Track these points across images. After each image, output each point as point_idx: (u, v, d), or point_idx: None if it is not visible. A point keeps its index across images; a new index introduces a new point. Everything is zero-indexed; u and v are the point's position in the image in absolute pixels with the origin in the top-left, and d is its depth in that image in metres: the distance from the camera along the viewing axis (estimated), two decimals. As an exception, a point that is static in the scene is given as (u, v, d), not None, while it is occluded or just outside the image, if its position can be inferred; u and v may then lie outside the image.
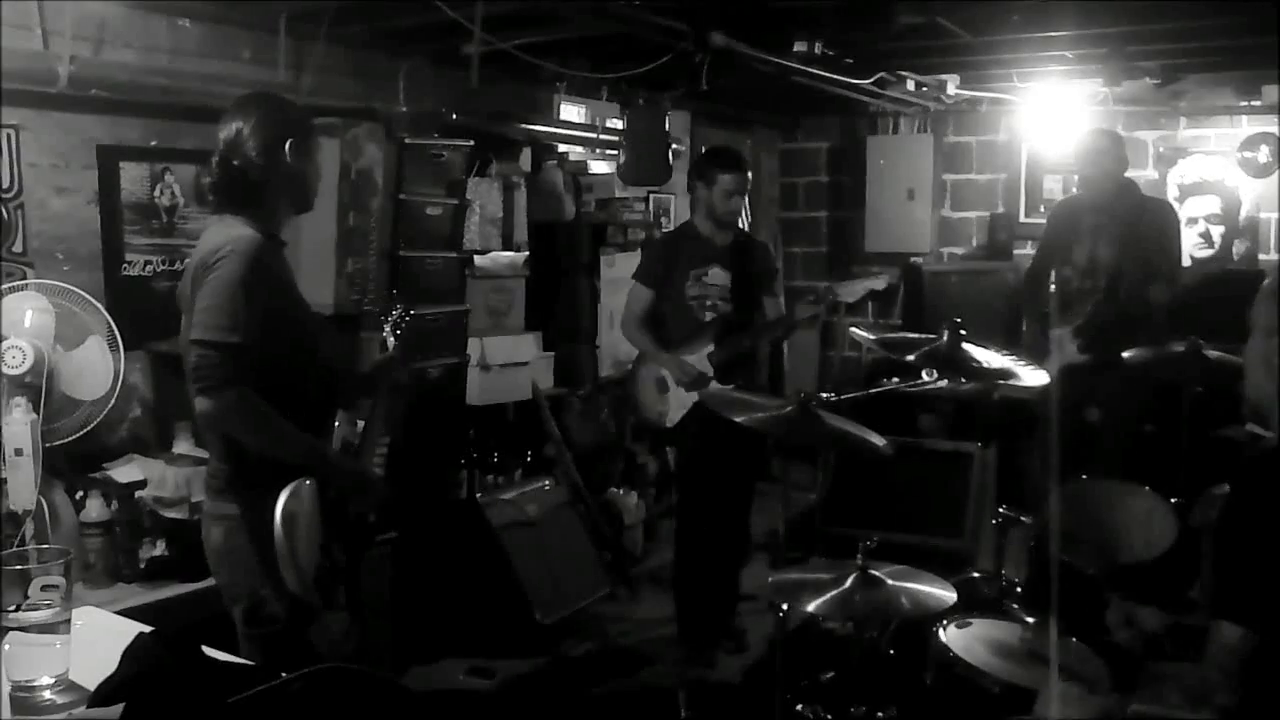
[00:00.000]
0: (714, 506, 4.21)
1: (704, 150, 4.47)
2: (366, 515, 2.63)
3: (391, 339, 2.75)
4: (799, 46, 4.40)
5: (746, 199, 4.22)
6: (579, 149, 5.35)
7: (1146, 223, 4.39)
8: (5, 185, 3.25)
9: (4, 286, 2.97)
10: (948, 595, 2.46)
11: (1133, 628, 2.28)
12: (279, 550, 2.30)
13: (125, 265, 3.58)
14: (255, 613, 2.38)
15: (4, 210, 3.24)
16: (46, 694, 1.56)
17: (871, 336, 3.97)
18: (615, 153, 5.21)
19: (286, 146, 2.44)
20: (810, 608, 2.45)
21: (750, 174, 4.19)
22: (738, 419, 2.81)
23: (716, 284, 4.13)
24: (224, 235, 2.34)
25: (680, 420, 4.11)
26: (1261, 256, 5.81)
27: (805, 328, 6.14)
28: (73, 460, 3.13)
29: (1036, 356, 4.29)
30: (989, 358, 3.05)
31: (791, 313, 4.39)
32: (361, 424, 2.70)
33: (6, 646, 1.54)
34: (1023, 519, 3.14)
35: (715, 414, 3.11)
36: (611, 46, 4.42)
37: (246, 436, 2.32)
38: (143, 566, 3.05)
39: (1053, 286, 4.43)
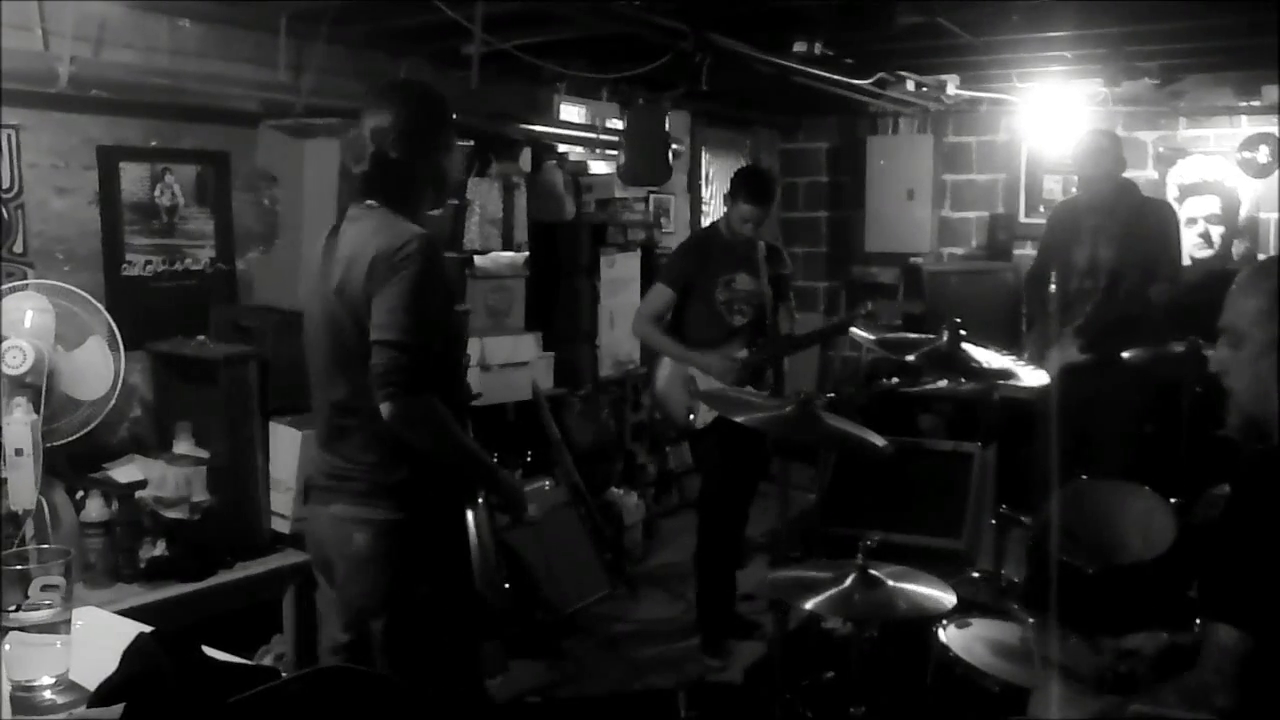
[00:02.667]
0: (736, 504, 4.30)
1: (740, 168, 4.48)
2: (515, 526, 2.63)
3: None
4: (799, 46, 4.40)
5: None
6: (579, 149, 5.35)
7: (1146, 223, 4.39)
8: (6, 185, 3.25)
9: (4, 286, 2.97)
10: (947, 595, 2.46)
11: (1134, 658, 2.27)
12: (477, 558, 2.29)
13: (125, 265, 3.58)
14: (402, 623, 2.29)
15: (4, 210, 3.24)
16: (47, 694, 1.56)
17: (872, 336, 3.97)
18: (615, 153, 5.21)
19: (438, 142, 2.37)
20: (810, 607, 2.45)
21: (771, 205, 4.20)
22: (738, 419, 2.81)
23: (744, 289, 4.17)
24: (400, 230, 2.23)
25: (710, 423, 4.12)
26: (1261, 256, 5.81)
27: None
28: (73, 460, 3.13)
29: (1036, 357, 4.30)
30: (989, 358, 3.05)
31: (842, 318, 4.43)
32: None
33: (7, 646, 1.54)
34: (1022, 519, 3.14)
35: None
36: (611, 46, 4.42)
37: (427, 442, 2.25)
38: (143, 567, 3.05)
39: (1053, 287, 4.43)
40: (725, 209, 4.25)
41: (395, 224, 2.27)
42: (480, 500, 2.32)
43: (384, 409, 2.17)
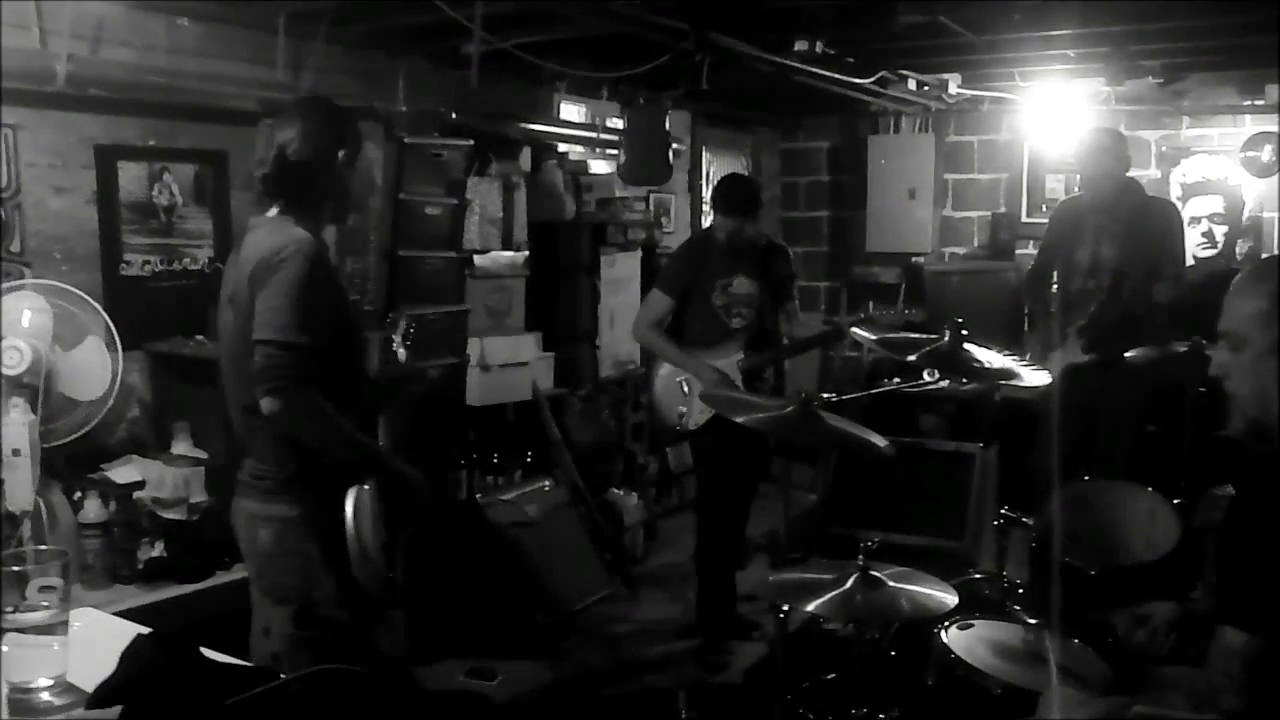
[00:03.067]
0: (733, 506, 4.29)
1: (721, 179, 4.47)
2: (415, 514, 2.64)
3: (402, 350, 2.77)
4: (800, 46, 4.39)
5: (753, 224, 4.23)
6: (579, 149, 5.35)
7: (1149, 222, 4.38)
8: (3, 185, 3.24)
9: (2, 286, 2.96)
10: (949, 596, 2.45)
11: (1145, 626, 2.26)
12: (353, 549, 2.31)
13: (123, 265, 3.57)
14: (308, 614, 2.36)
15: (2, 210, 3.23)
16: (44, 695, 1.55)
17: (872, 336, 3.96)
18: (615, 153, 5.21)
19: (339, 155, 2.46)
20: (811, 608, 2.44)
21: (750, 215, 4.15)
22: (738, 419, 2.80)
23: (742, 293, 4.16)
24: (284, 235, 2.33)
25: (704, 424, 4.11)
26: (1264, 256, 5.80)
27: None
28: (71, 461, 3.12)
29: (1038, 357, 4.30)
30: (990, 358, 3.04)
31: (840, 323, 4.42)
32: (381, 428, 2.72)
33: (5, 648, 1.53)
34: (1024, 519, 3.13)
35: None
36: (611, 46, 4.41)
37: (313, 437, 2.31)
38: (141, 567, 3.04)
39: (1055, 286, 4.43)
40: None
41: (282, 230, 2.36)
42: (364, 488, 2.33)
43: (263, 405, 2.25)
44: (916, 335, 3.32)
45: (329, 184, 2.47)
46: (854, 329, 3.71)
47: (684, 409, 4.19)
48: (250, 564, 2.50)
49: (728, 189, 4.24)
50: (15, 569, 1.54)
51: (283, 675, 1.50)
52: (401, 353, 2.76)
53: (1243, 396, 1.85)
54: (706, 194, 6.71)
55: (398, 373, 2.77)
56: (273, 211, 2.43)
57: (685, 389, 4.18)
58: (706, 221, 6.36)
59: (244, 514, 2.46)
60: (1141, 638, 2.23)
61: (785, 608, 2.78)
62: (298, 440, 2.32)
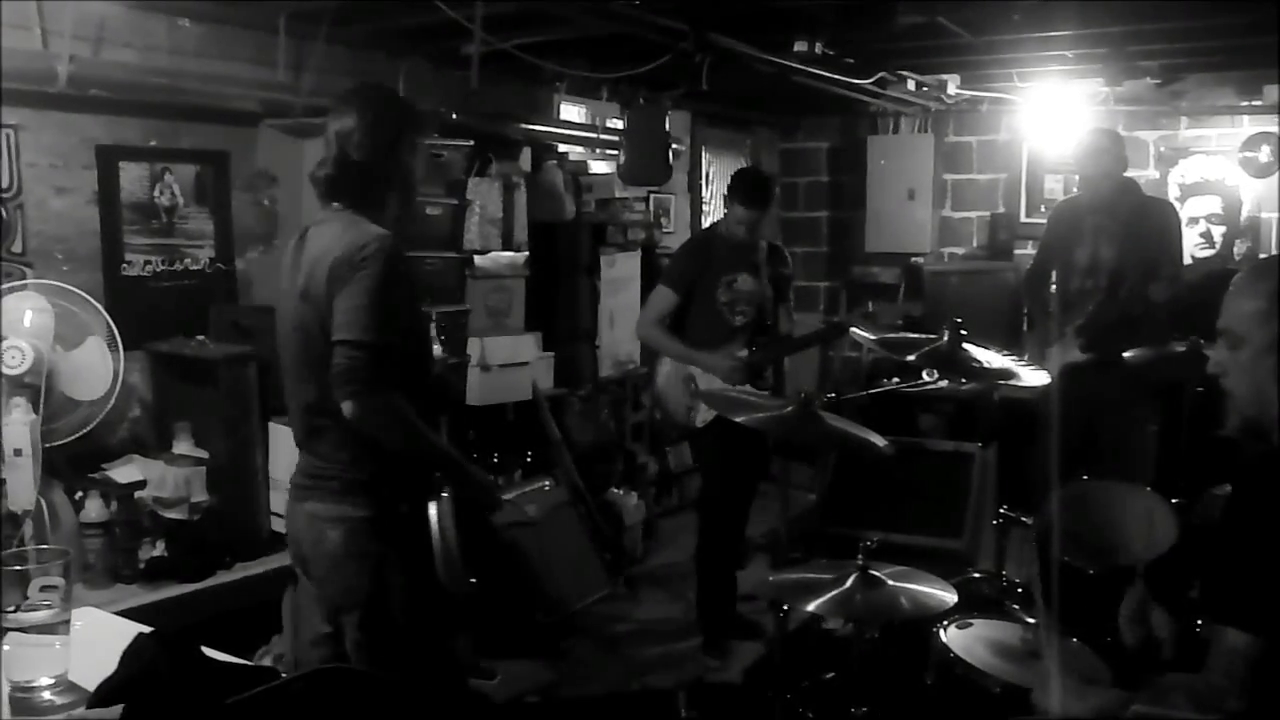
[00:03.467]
0: (734, 505, 4.30)
1: (738, 170, 4.46)
2: (487, 519, 2.64)
3: (439, 347, 2.74)
4: (799, 46, 4.40)
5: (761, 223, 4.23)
6: (579, 149, 5.35)
7: (1148, 223, 4.38)
8: (5, 185, 3.25)
9: (3, 286, 2.97)
10: (948, 596, 2.46)
11: (1143, 626, 2.27)
12: (439, 553, 2.30)
13: (125, 265, 3.57)
14: (377, 618, 2.33)
15: (3, 210, 3.24)
16: (46, 694, 1.56)
17: (872, 336, 3.97)
18: (615, 153, 5.21)
19: (402, 144, 2.41)
20: (811, 608, 2.45)
21: (767, 208, 4.18)
22: (738, 419, 2.80)
23: (746, 290, 4.16)
24: (362, 231, 2.27)
25: (708, 423, 4.12)
26: (1262, 256, 5.81)
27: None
28: (72, 461, 3.13)
29: (1037, 356, 4.30)
30: (989, 358, 3.04)
31: (841, 320, 4.43)
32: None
33: (6, 647, 1.54)
34: (1023, 519, 3.13)
35: None
36: (611, 46, 4.41)
37: (393, 439, 2.28)
38: (142, 567, 3.05)
39: (1053, 286, 4.43)
40: (725, 210, 4.25)
41: (358, 226, 2.31)
42: (444, 494, 2.33)
43: (345, 408, 2.21)
44: (916, 335, 3.33)
45: (394, 177, 2.41)
46: (854, 328, 3.72)
47: (691, 406, 4.19)
48: (314, 567, 2.42)
49: (749, 181, 4.24)
50: (17, 568, 1.54)
51: (283, 675, 1.51)
52: (438, 350, 2.74)
53: (1240, 395, 1.85)
54: (706, 194, 6.72)
55: (442, 372, 2.74)
56: (337, 205, 2.37)
57: (690, 385, 4.17)
58: (707, 221, 6.38)
59: (305, 515, 2.39)
60: (1132, 635, 2.24)
61: (785, 607, 2.79)
62: (377, 441, 2.27)
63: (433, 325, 2.74)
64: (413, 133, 2.45)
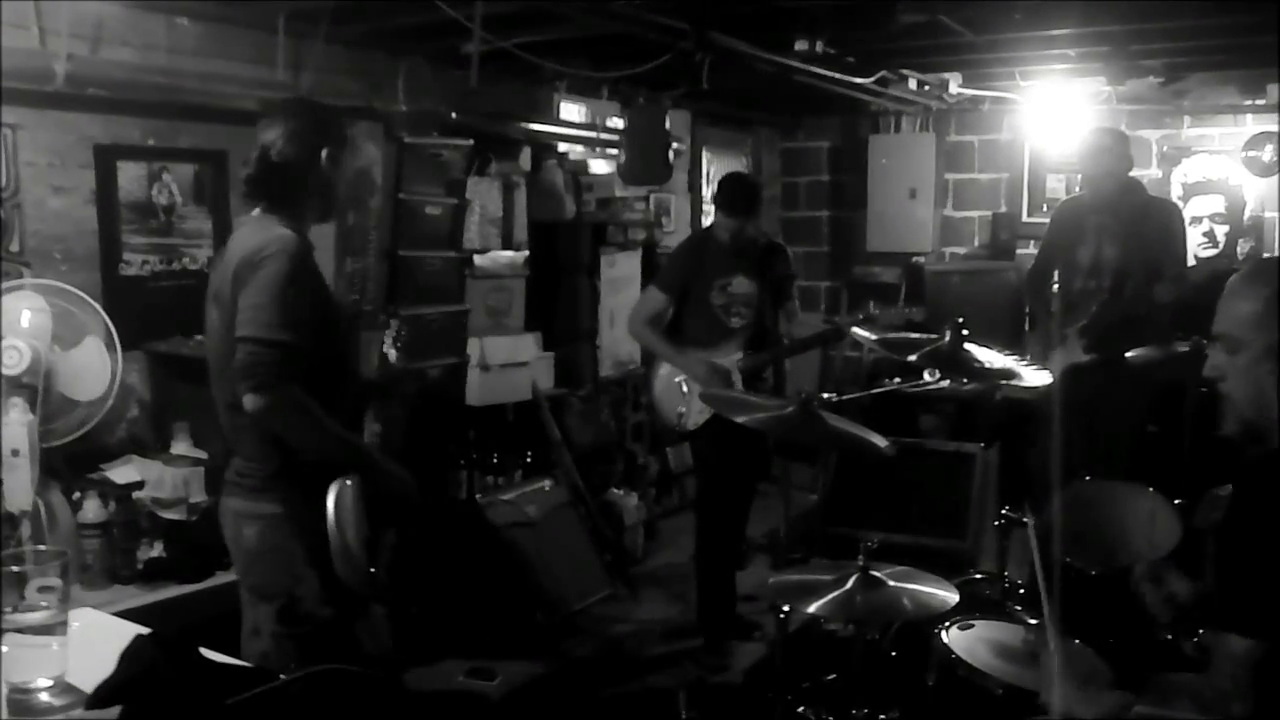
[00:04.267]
0: (733, 506, 4.30)
1: (723, 177, 4.47)
2: (402, 512, 2.64)
3: (394, 351, 2.77)
4: (800, 45, 4.39)
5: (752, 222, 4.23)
6: (579, 149, 5.35)
7: (1151, 222, 4.37)
8: (2, 184, 3.24)
9: (1, 286, 2.96)
10: (950, 596, 2.45)
11: (1161, 588, 2.27)
12: (335, 544, 2.31)
13: (123, 265, 3.56)
14: (292, 611, 2.38)
15: (1, 210, 3.23)
16: (44, 696, 1.55)
17: (873, 336, 3.96)
18: (615, 152, 5.20)
19: (323, 154, 2.48)
20: (811, 609, 2.44)
21: (751, 214, 4.16)
22: (739, 419, 2.80)
23: (741, 292, 4.16)
24: (267, 233, 2.34)
25: (703, 424, 4.11)
26: (1266, 256, 5.80)
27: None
28: (70, 461, 3.12)
29: (1039, 356, 4.29)
30: (991, 358, 3.03)
31: (841, 323, 4.41)
32: (377, 426, 2.74)
33: (4, 648, 1.53)
34: (1025, 520, 3.12)
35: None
36: (611, 46, 4.40)
37: (296, 434, 2.32)
38: (140, 568, 3.04)
39: (1056, 286, 4.42)
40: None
41: (266, 229, 2.37)
42: (346, 483, 2.33)
43: (245, 402, 2.26)
44: (917, 335, 3.32)
45: (312, 183, 2.48)
46: (854, 329, 3.71)
47: (683, 409, 4.19)
48: (237, 562, 2.51)
49: (730, 189, 4.24)
50: (14, 569, 1.54)
51: (283, 676, 1.50)
52: (393, 354, 2.77)
53: (1239, 398, 1.85)
54: (707, 194, 6.71)
55: (391, 374, 2.77)
56: (257, 211, 2.45)
57: (684, 389, 4.18)
58: (707, 221, 6.36)
59: (230, 512, 2.47)
60: (1151, 597, 2.24)
61: (785, 608, 2.78)
62: (281, 437, 2.33)
63: (390, 332, 2.77)
64: (335, 146, 2.52)
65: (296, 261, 2.31)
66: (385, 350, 2.78)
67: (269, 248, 2.29)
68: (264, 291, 2.25)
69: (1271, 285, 1.80)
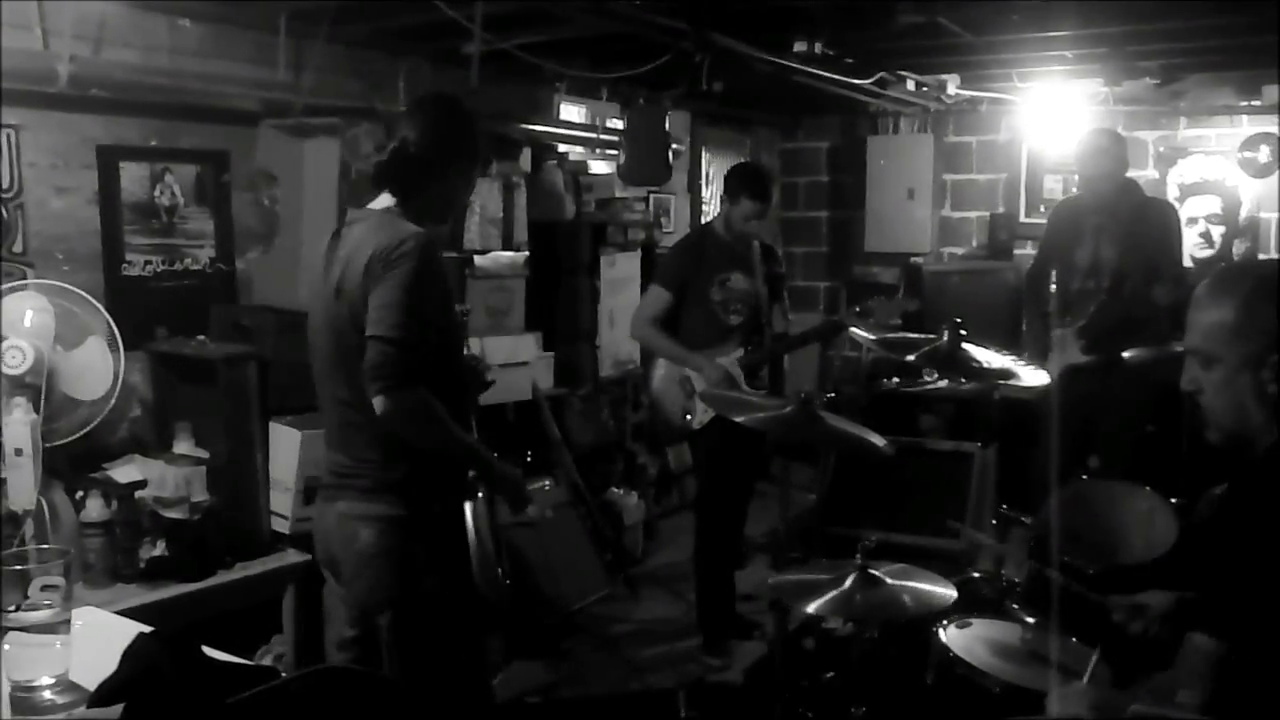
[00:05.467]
0: (732, 506, 4.31)
1: (736, 165, 4.46)
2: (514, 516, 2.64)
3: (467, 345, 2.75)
4: (799, 46, 4.40)
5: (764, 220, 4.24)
6: (579, 149, 5.35)
7: (1148, 223, 4.38)
8: (5, 185, 3.25)
9: (4, 286, 2.97)
10: (948, 595, 2.46)
11: (1142, 616, 2.27)
12: (475, 554, 2.31)
13: (125, 265, 3.57)
14: (407, 618, 2.32)
15: (4, 210, 3.24)
16: (46, 694, 1.56)
17: (872, 336, 3.98)
18: (615, 153, 5.21)
19: (457, 162, 2.44)
20: (811, 608, 2.45)
21: (771, 200, 4.20)
22: (738, 419, 2.80)
23: (739, 289, 4.16)
24: (399, 229, 2.28)
25: (706, 423, 4.12)
26: (1262, 256, 5.81)
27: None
28: (73, 460, 3.13)
29: (1037, 356, 4.30)
30: (989, 358, 3.05)
31: (837, 317, 4.42)
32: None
33: (6, 646, 1.54)
34: (1023, 519, 3.13)
35: None
36: (611, 46, 4.41)
37: (423, 436, 2.27)
38: (142, 567, 3.04)
39: (1053, 286, 4.43)
40: (723, 208, 4.24)
41: (394, 224, 2.31)
42: (479, 494, 2.33)
43: (376, 404, 2.20)
44: (916, 335, 3.33)
45: (441, 188, 2.44)
46: (853, 328, 3.72)
47: (690, 408, 4.18)
48: (345, 567, 2.40)
49: (752, 173, 4.25)
50: (18, 568, 1.55)
51: (284, 675, 1.51)
52: (468, 348, 2.75)
53: (1219, 410, 1.82)
54: (706, 194, 6.72)
55: (470, 367, 2.74)
56: (379, 204, 2.38)
57: (686, 386, 4.18)
58: (706, 220, 6.37)
59: (337, 515, 2.38)
60: (1138, 628, 2.24)
61: (785, 607, 2.79)
62: (407, 438, 2.27)
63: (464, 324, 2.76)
64: (472, 159, 2.49)
65: (431, 260, 2.26)
66: (463, 348, 2.76)
67: (405, 245, 2.22)
68: (399, 290, 2.19)
69: (1237, 294, 1.77)
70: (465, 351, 2.67)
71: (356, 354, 2.24)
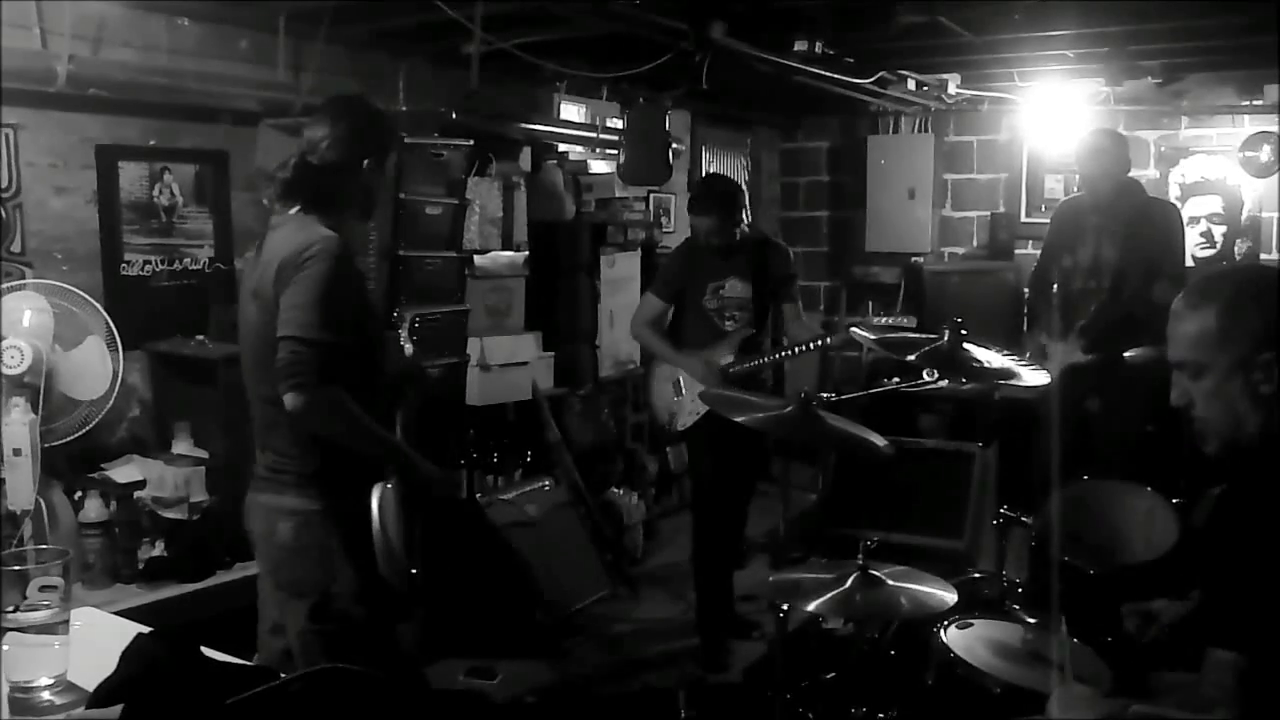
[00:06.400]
0: (729, 505, 4.30)
1: (699, 179, 4.44)
2: (433, 509, 2.66)
3: (409, 345, 2.79)
4: (799, 46, 4.40)
5: (745, 215, 4.20)
6: (579, 149, 5.35)
7: (1150, 223, 4.38)
8: (4, 185, 3.25)
9: (3, 286, 2.96)
10: (948, 596, 2.46)
11: (1153, 623, 2.27)
12: (379, 544, 2.33)
13: (124, 265, 3.57)
14: (325, 608, 2.37)
15: (3, 210, 3.24)
16: (45, 695, 1.55)
17: (872, 336, 3.97)
18: (615, 153, 5.21)
19: (367, 161, 2.48)
20: (810, 608, 2.45)
21: (726, 213, 4.06)
22: (738, 419, 2.80)
23: (734, 296, 4.14)
24: (310, 234, 2.34)
25: (694, 424, 4.11)
26: (1263, 256, 5.81)
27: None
28: (71, 460, 3.13)
29: (1038, 356, 4.30)
30: (990, 357, 3.04)
31: (832, 330, 4.39)
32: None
33: (5, 647, 1.53)
34: (1024, 519, 3.13)
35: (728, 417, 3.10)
36: (611, 46, 4.41)
37: (336, 432, 2.33)
38: (141, 567, 3.04)
39: (1055, 286, 4.43)
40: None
41: (307, 228, 2.37)
42: (388, 485, 2.35)
43: (286, 400, 2.26)
44: (916, 335, 3.32)
45: (353, 186, 2.48)
46: (853, 329, 3.71)
47: (673, 410, 4.19)
48: (265, 558, 2.49)
49: (697, 189, 4.26)
50: (16, 568, 1.54)
51: (283, 675, 1.51)
52: (408, 348, 2.78)
53: (1213, 419, 1.81)
54: (706, 194, 6.71)
55: (406, 368, 2.78)
56: (295, 209, 2.43)
57: (677, 389, 4.18)
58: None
59: (261, 507, 2.46)
60: (1148, 636, 2.24)
61: (785, 607, 2.78)
62: (320, 435, 2.33)
63: (405, 327, 2.78)
64: (380, 153, 2.52)
65: (339, 262, 2.31)
66: (401, 344, 2.79)
67: (313, 248, 2.29)
68: (307, 292, 2.26)
69: (1218, 300, 1.76)
70: (408, 354, 2.71)
71: (271, 354, 2.30)
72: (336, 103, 2.57)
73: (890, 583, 2.47)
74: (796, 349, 4.19)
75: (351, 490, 2.37)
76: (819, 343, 4.28)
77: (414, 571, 2.42)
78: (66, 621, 1.58)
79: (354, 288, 2.39)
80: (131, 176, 3.58)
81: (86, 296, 3.04)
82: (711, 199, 4.12)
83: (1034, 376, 3.11)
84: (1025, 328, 5.05)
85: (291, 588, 2.43)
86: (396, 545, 2.35)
